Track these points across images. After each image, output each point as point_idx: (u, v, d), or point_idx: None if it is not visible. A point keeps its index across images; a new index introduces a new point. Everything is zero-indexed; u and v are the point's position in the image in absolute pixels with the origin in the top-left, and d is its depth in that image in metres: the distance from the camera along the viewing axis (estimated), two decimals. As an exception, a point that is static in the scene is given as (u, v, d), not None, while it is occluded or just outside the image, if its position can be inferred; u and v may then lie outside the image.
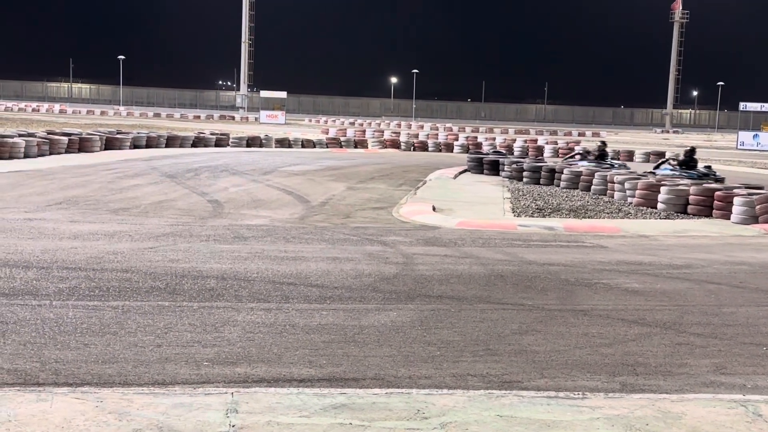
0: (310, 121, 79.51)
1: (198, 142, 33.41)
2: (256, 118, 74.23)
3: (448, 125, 72.16)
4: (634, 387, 5.48)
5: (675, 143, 54.42)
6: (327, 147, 36.82)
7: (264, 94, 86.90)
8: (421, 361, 5.88)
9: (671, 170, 21.41)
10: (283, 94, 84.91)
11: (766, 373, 5.91)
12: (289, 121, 72.89)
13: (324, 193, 17.68)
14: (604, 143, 25.89)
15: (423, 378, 5.51)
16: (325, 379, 5.40)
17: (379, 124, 70.53)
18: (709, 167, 22.26)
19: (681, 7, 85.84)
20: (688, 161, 21.83)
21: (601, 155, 24.30)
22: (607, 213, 15.88)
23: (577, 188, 20.20)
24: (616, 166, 23.01)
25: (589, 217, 15.21)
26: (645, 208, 16.61)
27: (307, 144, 36.59)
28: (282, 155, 30.27)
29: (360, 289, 8.14)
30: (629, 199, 17.46)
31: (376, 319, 7.03)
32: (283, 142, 35.86)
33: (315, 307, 7.33)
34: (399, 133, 50.03)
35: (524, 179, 22.19)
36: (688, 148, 23.43)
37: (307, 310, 7.24)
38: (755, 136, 52.88)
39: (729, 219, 15.02)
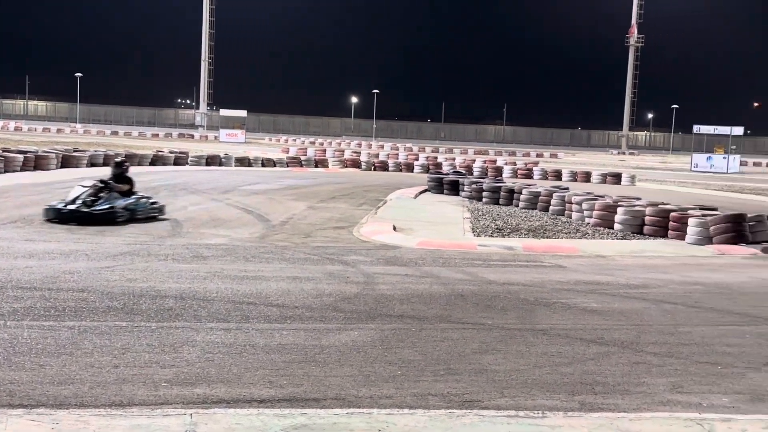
0: (271, 140, 79.29)
1: (156, 160, 33.11)
2: (215, 137, 73.83)
3: (408, 145, 72.49)
4: (593, 406, 5.53)
5: (631, 164, 55.38)
6: (287, 166, 36.72)
7: (224, 112, 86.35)
8: (382, 381, 5.87)
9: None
10: (243, 113, 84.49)
11: (721, 391, 6.00)
12: (249, 140, 72.59)
13: (284, 212, 17.62)
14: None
15: (384, 398, 5.50)
16: (286, 400, 5.36)
17: (339, 144, 70.62)
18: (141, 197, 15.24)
19: (637, 32, 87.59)
20: (117, 177, 15.03)
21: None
22: (565, 233, 16.05)
23: (536, 209, 20.40)
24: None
25: (547, 237, 15.36)
26: (602, 228, 16.84)
27: (267, 163, 36.46)
28: (242, 174, 30.12)
29: (321, 309, 8.11)
30: (587, 220, 17.69)
31: (337, 338, 7.01)
32: (243, 161, 35.69)
33: (275, 327, 7.29)
34: (359, 152, 50.12)
35: (484, 199, 22.36)
36: (118, 159, 16.97)
37: (268, 329, 7.19)
38: (709, 158, 53.97)
39: (684, 240, 15.28)
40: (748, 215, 15.65)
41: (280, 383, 5.70)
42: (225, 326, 7.21)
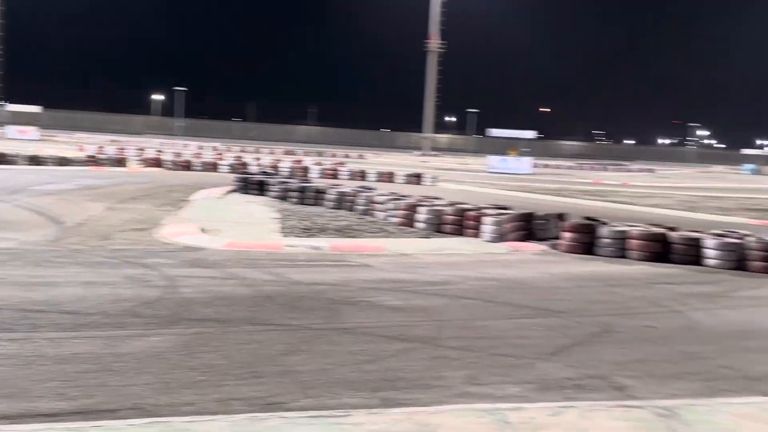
0: (68, 137, 74.95)
1: (-66, 157, 30.31)
2: (2, 133, 68.74)
3: (215, 144, 71.07)
4: (394, 402, 5.65)
5: (433, 166, 57.39)
6: (85, 165, 34.85)
7: (12, 107, 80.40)
8: (183, 388, 5.69)
9: None
10: (36, 109, 79.06)
11: (513, 381, 6.34)
12: (44, 137, 68.22)
13: (80, 213, 16.67)
14: None
15: (185, 405, 5.33)
16: (78, 412, 5.06)
17: (142, 142, 67.97)
18: None
19: (437, 38, 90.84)
20: None
21: None
22: (371, 232, 16.36)
23: (343, 208, 20.64)
24: None
25: (354, 237, 15.58)
26: (406, 227, 17.32)
27: (62, 162, 34.39)
28: (33, 173, 28.22)
29: (118, 315, 7.74)
30: (391, 219, 18.12)
31: (136, 345, 6.72)
32: (35, 160, 33.45)
33: (68, 336, 6.87)
34: (163, 151, 48.50)
35: (292, 199, 22.33)
36: None
37: (59, 339, 6.76)
38: (504, 160, 57.05)
39: (481, 237, 16.02)
40: (537, 214, 16.71)
41: (71, 395, 5.37)
42: (10, 336, 6.70)
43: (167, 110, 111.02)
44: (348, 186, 23.80)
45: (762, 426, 5.43)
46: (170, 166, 36.55)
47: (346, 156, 67.42)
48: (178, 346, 6.78)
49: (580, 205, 26.49)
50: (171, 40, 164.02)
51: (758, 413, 5.71)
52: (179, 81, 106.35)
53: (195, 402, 5.40)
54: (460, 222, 16.75)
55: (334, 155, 66.94)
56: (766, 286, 12.03)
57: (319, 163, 42.79)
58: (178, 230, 14.64)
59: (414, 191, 25.05)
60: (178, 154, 44.52)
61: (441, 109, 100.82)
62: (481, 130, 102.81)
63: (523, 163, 56.45)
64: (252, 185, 24.73)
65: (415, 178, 36.66)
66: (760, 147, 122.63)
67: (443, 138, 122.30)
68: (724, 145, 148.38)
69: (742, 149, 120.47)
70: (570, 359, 7.15)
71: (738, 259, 13.56)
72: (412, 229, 17.08)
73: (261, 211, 19.74)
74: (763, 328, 8.93)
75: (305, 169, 37.07)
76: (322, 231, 16.03)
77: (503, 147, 65.79)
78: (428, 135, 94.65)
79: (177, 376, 5.94)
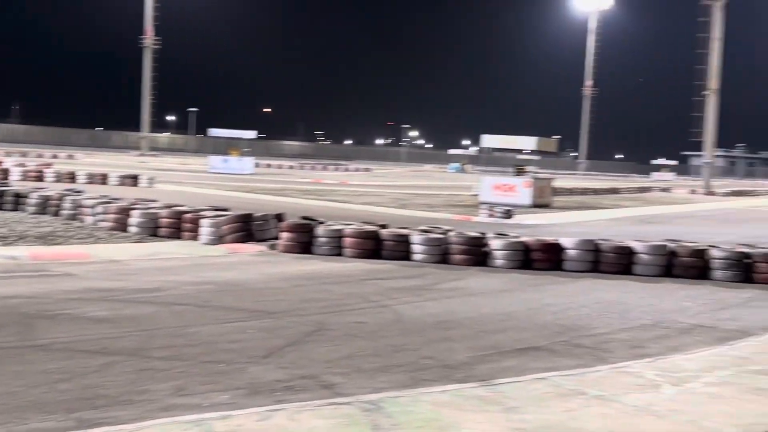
0: None
1: None
2: None
3: None
4: (92, 422, 5.25)
5: (151, 166, 55.40)
6: None
7: None
8: None
9: None
10: None
11: (222, 389, 6.17)
12: None
13: None
14: None
15: None
16: None
17: None
18: None
19: (152, 34, 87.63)
20: None
21: None
22: (78, 239, 15.32)
23: (47, 213, 19.15)
24: None
25: (58, 244, 14.50)
26: (118, 232, 16.44)
27: None
28: None
29: None
30: (102, 224, 17.12)
31: None
32: None
33: None
34: None
35: (-13, 205, 20.28)
36: None
37: None
38: (225, 160, 56.54)
39: (198, 240, 15.64)
40: (256, 215, 16.69)
41: None
42: None
43: None
44: (54, 189, 22.15)
45: (456, 412, 5.76)
46: None
47: (54, 156, 62.91)
48: None
49: (299, 205, 26.89)
50: None
51: (453, 400, 6.06)
52: None
53: None
54: (177, 225, 16.24)
55: (40, 156, 62.14)
56: (465, 277, 12.95)
57: (21, 165, 39.48)
58: None
59: (128, 193, 23.92)
60: None
61: (161, 108, 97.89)
62: (202, 130, 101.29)
63: (244, 163, 56.32)
64: (-62, 190, 22.10)
65: (131, 180, 35.09)
66: (465, 147, 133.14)
67: (163, 137, 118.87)
68: (432, 145, 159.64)
69: (449, 149, 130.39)
70: (282, 360, 7.13)
71: (442, 253, 14.47)
72: (124, 234, 16.26)
73: (-51, 218, 17.73)
74: (462, 317, 9.56)
75: (5, 171, 34.01)
76: (21, 239, 14.74)
77: (225, 147, 65.35)
78: (146, 134, 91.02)
79: None
